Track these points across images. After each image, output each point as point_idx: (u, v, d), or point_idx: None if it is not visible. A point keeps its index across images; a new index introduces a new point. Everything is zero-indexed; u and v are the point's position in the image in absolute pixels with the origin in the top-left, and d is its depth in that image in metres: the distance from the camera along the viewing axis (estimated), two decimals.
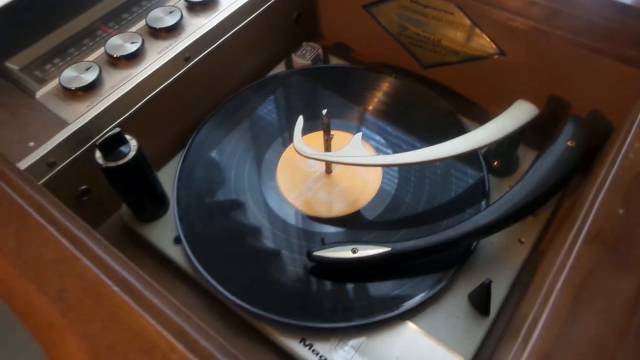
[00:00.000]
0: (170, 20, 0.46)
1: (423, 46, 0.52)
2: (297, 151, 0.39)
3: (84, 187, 0.41)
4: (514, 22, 0.42)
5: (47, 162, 0.37)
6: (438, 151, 0.39)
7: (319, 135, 0.44)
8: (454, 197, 0.43)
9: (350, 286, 0.38)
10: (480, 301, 0.36)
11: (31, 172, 0.36)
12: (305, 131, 0.42)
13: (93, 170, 0.37)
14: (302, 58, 0.54)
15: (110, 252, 0.26)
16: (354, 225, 0.41)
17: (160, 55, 0.44)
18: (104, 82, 0.42)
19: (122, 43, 0.44)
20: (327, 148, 0.42)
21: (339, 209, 0.42)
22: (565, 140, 0.38)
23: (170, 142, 0.48)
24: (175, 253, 0.41)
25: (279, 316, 0.36)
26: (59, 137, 0.38)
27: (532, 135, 0.43)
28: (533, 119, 0.41)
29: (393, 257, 0.36)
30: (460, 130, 0.45)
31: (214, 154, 0.46)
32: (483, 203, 0.41)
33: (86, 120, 0.39)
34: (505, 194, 0.37)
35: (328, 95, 0.51)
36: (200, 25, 0.46)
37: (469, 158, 0.44)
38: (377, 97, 0.51)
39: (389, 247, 0.36)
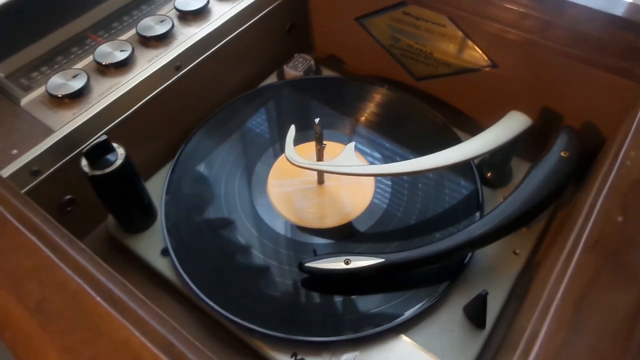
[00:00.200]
0: (161, 29, 0.45)
1: (415, 58, 0.52)
2: (288, 160, 0.38)
3: (68, 196, 0.40)
4: (507, 34, 0.42)
5: (30, 170, 0.36)
6: (431, 161, 0.38)
7: (310, 146, 0.43)
8: (448, 208, 0.42)
9: (342, 299, 0.37)
10: (475, 313, 0.35)
11: (14, 179, 0.35)
12: (297, 142, 0.41)
13: (78, 180, 0.36)
14: (294, 69, 0.53)
15: (93, 261, 0.24)
16: (346, 237, 0.41)
17: (150, 63, 0.43)
18: (91, 89, 0.41)
19: (111, 51, 0.43)
20: (320, 158, 0.41)
21: (330, 221, 0.41)
22: (558, 151, 0.38)
23: (160, 152, 0.47)
24: (162, 265, 0.40)
25: (270, 330, 0.34)
26: (44, 145, 0.37)
27: (525, 146, 0.43)
28: (526, 130, 0.40)
29: (387, 268, 0.35)
30: (453, 142, 0.45)
31: (204, 165, 0.46)
32: (477, 214, 0.41)
33: (72, 128, 0.38)
34: (500, 205, 0.36)
35: (320, 107, 0.51)
36: (191, 35, 0.46)
37: (462, 169, 0.44)
38: (370, 109, 0.51)
39: (382, 258, 0.35)
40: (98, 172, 0.35)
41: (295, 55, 0.55)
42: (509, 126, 0.40)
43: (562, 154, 0.38)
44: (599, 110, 0.42)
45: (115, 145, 0.36)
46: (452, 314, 0.36)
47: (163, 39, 0.45)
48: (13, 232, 0.25)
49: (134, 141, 0.39)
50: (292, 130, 0.40)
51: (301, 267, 0.36)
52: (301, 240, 0.40)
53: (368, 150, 0.46)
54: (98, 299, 0.22)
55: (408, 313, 0.35)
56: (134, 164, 0.37)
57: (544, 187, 0.36)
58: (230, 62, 0.50)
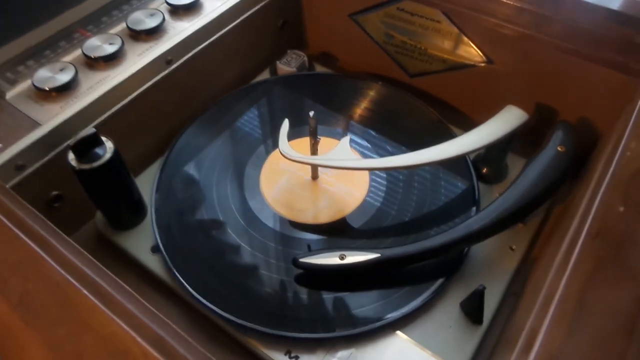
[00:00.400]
0: (151, 23, 0.45)
1: (409, 55, 0.51)
2: (282, 154, 0.38)
3: (55, 192, 0.39)
4: (502, 28, 0.42)
5: (15, 164, 0.35)
6: (427, 155, 0.38)
7: (303, 142, 0.42)
8: (443, 204, 0.42)
9: (337, 295, 0.36)
10: (472, 309, 0.34)
11: None
12: (289, 139, 0.40)
13: (66, 175, 0.35)
14: (287, 65, 0.53)
15: (79, 253, 0.24)
16: (340, 233, 0.40)
17: (140, 57, 0.42)
18: (80, 83, 0.40)
19: (100, 44, 0.42)
20: (314, 152, 0.40)
21: (324, 216, 0.41)
22: (555, 146, 0.38)
23: (150, 148, 0.46)
24: (152, 262, 0.38)
25: (263, 327, 0.34)
26: (29, 139, 0.36)
27: (521, 143, 0.42)
28: (522, 125, 0.40)
29: (382, 263, 0.35)
30: (448, 138, 0.44)
31: (195, 161, 0.45)
32: (473, 210, 0.40)
33: (59, 122, 0.37)
34: (498, 199, 0.36)
35: (313, 103, 0.50)
36: (182, 29, 0.45)
37: (457, 165, 0.43)
38: (364, 105, 0.50)
39: (378, 253, 0.34)
40: (86, 166, 0.34)
41: (288, 51, 0.54)
42: (506, 120, 0.40)
43: (559, 149, 0.38)
44: (595, 105, 0.41)
45: (104, 138, 0.35)
46: (448, 310, 0.36)
47: (154, 33, 0.44)
48: None
49: (123, 136, 0.38)
50: (285, 124, 0.39)
51: (295, 262, 0.35)
52: (295, 236, 0.39)
53: (362, 147, 0.46)
54: (84, 291, 0.21)
55: (404, 309, 0.35)
56: (124, 159, 0.36)
57: (542, 181, 0.36)
58: (223, 58, 0.49)
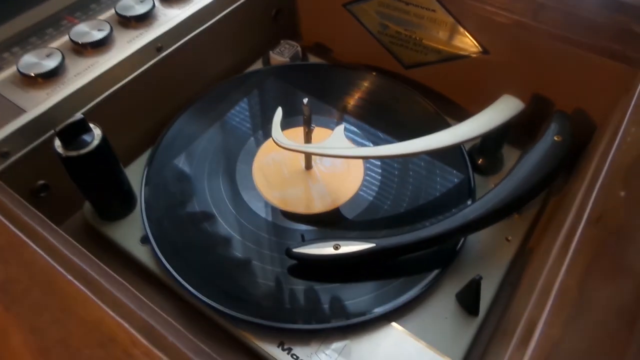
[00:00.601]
0: (141, 9, 0.43)
1: (404, 45, 0.51)
2: (275, 143, 0.37)
3: (42, 182, 0.38)
4: (498, 17, 0.42)
5: None
6: (422, 144, 0.37)
7: (296, 132, 0.42)
8: (439, 195, 0.41)
9: (331, 286, 0.35)
10: (469, 300, 0.34)
11: None
12: (283, 128, 0.40)
13: (52, 164, 0.34)
14: (280, 55, 0.52)
15: (64, 240, 0.23)
16: (334, 223, 0.39)
17: (129, 44, 0.41)
18: (67, 69, 0.39)
19: (88, 30, 0.41)
20: (308, 141, 0.40)
21: (318, 207, 0.40)
22: (552, 135, 0.37)
23: (140, 137, 0.45)
24: (142, 253, 0.38)
25: (255, 318, 0.33)
26: (14, 125, 0.35)
27: (516, 133, 0.42)
28: (519, 114, 0.40)
29: (377, 253, 0.34)
30: (443, 128, 0.44)
31: (186, 151, 0.44)
32: (469, 201, 0.40)
33: (45, 109, 0.36)
34: (494, 188, 0.35)
35: (306, 94, 0.49)
36: (173, 16, 0.44)
37: (453, 156, 0.43)
38: (358, 96, 0.49)
39: (373, 243, 0.34)
40: (73, 153, 0.33)
41: (282, 41, 0.53)
42: (502, 109, 0.39)
43: (556, 138, 0.37)
44: (591, 95, 0.41)
45: (92, 125, 0.34)
46: (444, 301, 0.35)
47: (143, 20, 0.43)
48: None
49: (112, 125, 0.37)
50: (279, 112, 0.39)
51: (289, 252, 0.34)
52: (288, 227, 0.39)
53: (357, 137, 0.45)
54: (69, 277, 0.20)
55: (399, 300, 0.34)
56: (113, 148, 0.35)
57: (538, 170, 0.36)
58: (215, 46, 0.48)
